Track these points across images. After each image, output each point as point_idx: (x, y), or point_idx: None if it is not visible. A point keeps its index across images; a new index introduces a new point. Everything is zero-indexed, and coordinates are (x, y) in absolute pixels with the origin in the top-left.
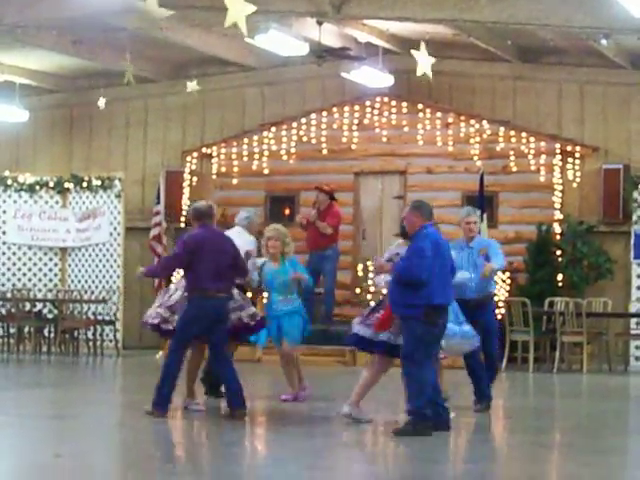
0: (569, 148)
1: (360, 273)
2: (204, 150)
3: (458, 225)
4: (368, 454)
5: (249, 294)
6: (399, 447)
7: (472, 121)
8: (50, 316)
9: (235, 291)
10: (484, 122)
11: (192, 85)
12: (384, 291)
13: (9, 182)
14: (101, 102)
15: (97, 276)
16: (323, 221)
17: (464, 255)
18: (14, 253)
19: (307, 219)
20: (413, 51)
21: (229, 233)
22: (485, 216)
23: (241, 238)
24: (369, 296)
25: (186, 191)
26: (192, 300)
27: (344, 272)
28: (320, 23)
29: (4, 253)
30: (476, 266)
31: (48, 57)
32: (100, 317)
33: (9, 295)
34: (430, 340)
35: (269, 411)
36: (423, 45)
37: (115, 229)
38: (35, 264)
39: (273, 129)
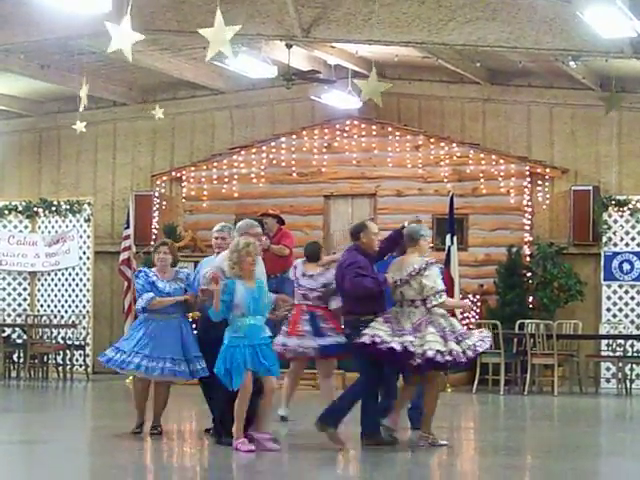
0: (539, 170)
1: None
2: (174, 174)
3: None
4: None
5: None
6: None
7: (442, 143)
8: (19, 341)
9: None
10: (454, 144)
11: (158, 112)
12: None
13: None
14: (79, 125)
15: (67, 300)
16: (277, 244)
17: None
18: None
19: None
20: (357, 81)
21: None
22: (455, 239)
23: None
24: None
25: (156, 215)
26: None
27: None
28: (289, 46)
29: None
30: None
31: (16, 81)
32: (70, 342)
33: None
34: None
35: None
36: (374, 70)
37: (84, 253)
38: (4, 289)
39: (243, 152)
